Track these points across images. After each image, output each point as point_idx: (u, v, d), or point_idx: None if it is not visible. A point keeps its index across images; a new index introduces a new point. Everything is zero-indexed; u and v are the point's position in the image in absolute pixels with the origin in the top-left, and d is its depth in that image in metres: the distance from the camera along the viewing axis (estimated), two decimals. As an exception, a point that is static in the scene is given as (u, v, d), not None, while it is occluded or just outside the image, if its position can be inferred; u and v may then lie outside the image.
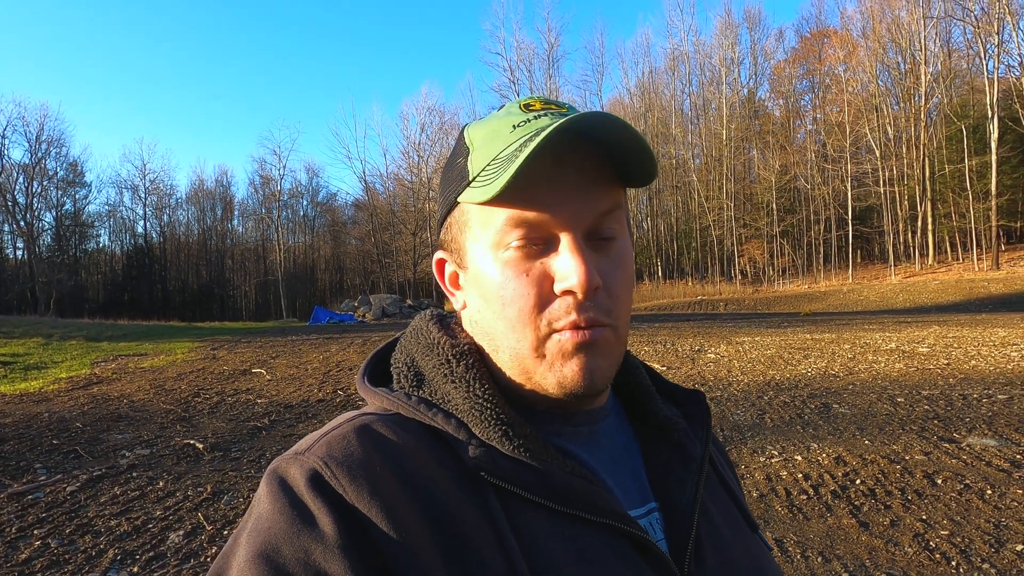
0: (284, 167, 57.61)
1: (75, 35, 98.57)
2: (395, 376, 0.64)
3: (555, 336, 0.56)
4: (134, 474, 4.76)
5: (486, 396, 0.57)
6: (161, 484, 4.52)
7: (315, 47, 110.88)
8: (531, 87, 50.95)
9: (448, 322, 0.68)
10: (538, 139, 0.52)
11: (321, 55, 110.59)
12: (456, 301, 0.66)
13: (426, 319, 0.68)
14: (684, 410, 0.72)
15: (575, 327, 0.55)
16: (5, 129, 46.74)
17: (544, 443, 0.57)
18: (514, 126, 0.58)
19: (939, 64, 38.36)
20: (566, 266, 0.55)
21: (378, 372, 0.68)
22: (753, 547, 0.66)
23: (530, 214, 0.55)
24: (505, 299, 0.57)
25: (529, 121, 0.58)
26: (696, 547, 0.60)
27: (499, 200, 0.55)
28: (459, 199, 0.60)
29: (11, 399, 7.93)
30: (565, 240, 0.55)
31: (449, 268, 0.66)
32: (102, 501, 4.19)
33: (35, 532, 3.69)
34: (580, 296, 0.54)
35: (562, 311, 0.56)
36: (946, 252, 38.41)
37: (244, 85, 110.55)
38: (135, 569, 3.25)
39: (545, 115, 0.58)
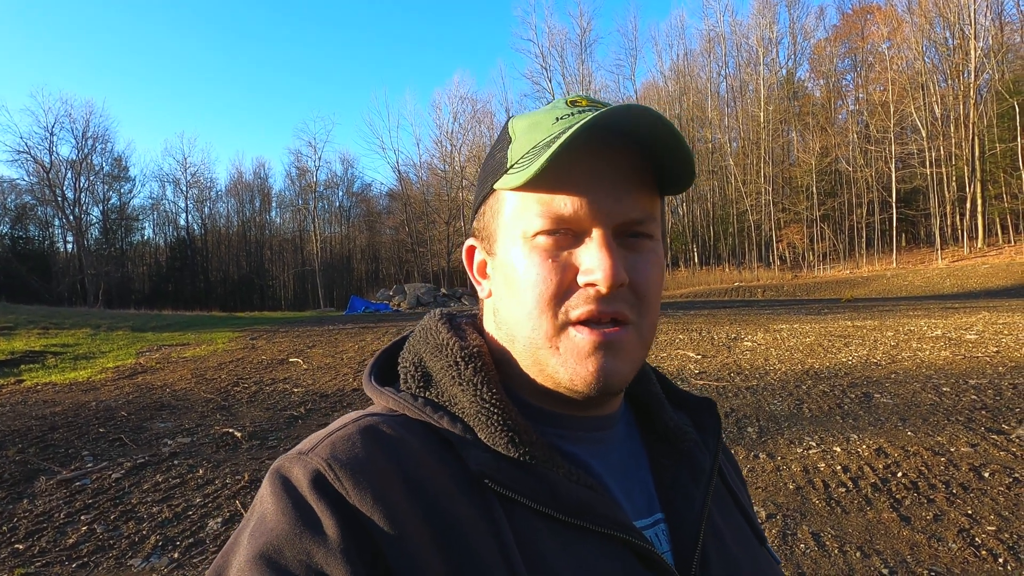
0: (319, 158, 58.66)
1: (117, 33, 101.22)
2: (402, 376, 0.63)
3: (571, 330, 0.55)
4: (175, 462, 4.90)
5: (493, 401, 0.57)
6: (201, 472, 4.64)
7: (348, 38, 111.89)
8: (563, 73, 50.49)
9: (458, 322, 0.67)
10: (573, 129, 0.52)
11: (354, 46, 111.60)
12: (482, 290, 0.66)
13: (435, 319, 0.67)
14: (694, 419, 0.72)
15: (593, 319, 0.55)
16: (53, 126, 48.39)
17: (551, 450, 0.57)
18: (557, 118, 0.58)
19: (990, 38, 36.72)
20: (592, 259, 0.54)
21: (385, 371, 0.67)
22: (760, 561, 0.66)
23: (563, 203, 0.55)
24: (527, 284, 0.56)
25: (573, 115, 0.58)
26: (702, 560, 0.60)
27: (532, 186, 0.55)
28: (495, 186, 0.60)
29: (61, 388, 8.23)
30: (595, 234, 0.55)
31: (479, 256, 0.66)
32: (145, 488, 4.32)
33: (82, 518, 3.82)
34: (604, 291, 0.54)
35: (581, 300, 0.55)
36: (996, 235, 36.94)
37: (280, 78, 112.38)
38: (176, 555, 3.35)
39: (590, 111, 0.58)
